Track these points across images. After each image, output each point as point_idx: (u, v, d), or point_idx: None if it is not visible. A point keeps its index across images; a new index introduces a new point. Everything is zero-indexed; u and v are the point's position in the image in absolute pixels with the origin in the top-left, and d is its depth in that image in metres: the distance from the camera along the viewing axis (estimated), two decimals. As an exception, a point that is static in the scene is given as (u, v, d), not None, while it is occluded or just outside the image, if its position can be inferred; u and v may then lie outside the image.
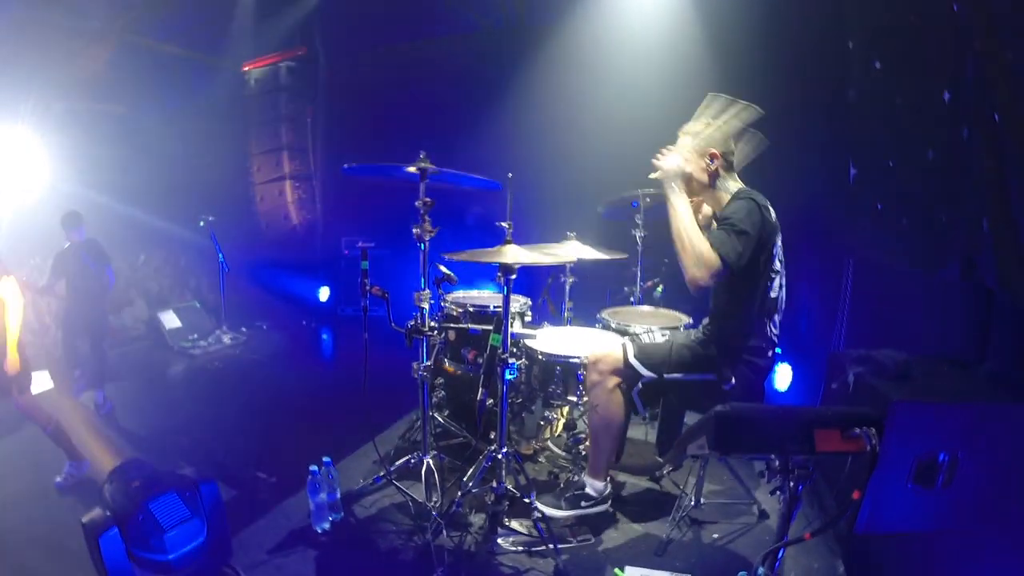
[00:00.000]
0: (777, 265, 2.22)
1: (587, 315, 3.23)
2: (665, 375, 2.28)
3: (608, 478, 2.46)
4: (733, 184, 2.28)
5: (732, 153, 2.28)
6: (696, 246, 2.07)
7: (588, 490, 2.43)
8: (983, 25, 2.06)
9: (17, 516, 2.56)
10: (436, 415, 3.07)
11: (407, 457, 2.77)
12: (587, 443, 2.59)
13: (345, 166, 2.61)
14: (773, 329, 2.27)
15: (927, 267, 2.70)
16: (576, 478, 2.55)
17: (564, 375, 2.64)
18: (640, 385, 2.33)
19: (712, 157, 2.23)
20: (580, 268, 3.22)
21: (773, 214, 2.23)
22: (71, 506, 2.62)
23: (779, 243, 2.24)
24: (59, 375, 4.06)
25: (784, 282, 2.28)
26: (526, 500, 2.38)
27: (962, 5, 2.20)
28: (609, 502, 2.49)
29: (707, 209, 2.35)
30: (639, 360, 2.30)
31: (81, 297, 3.96)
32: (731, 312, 2.25)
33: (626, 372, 2.33)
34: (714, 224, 2.29)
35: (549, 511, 2.43)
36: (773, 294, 2.22)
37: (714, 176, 2.25)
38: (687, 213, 2.15)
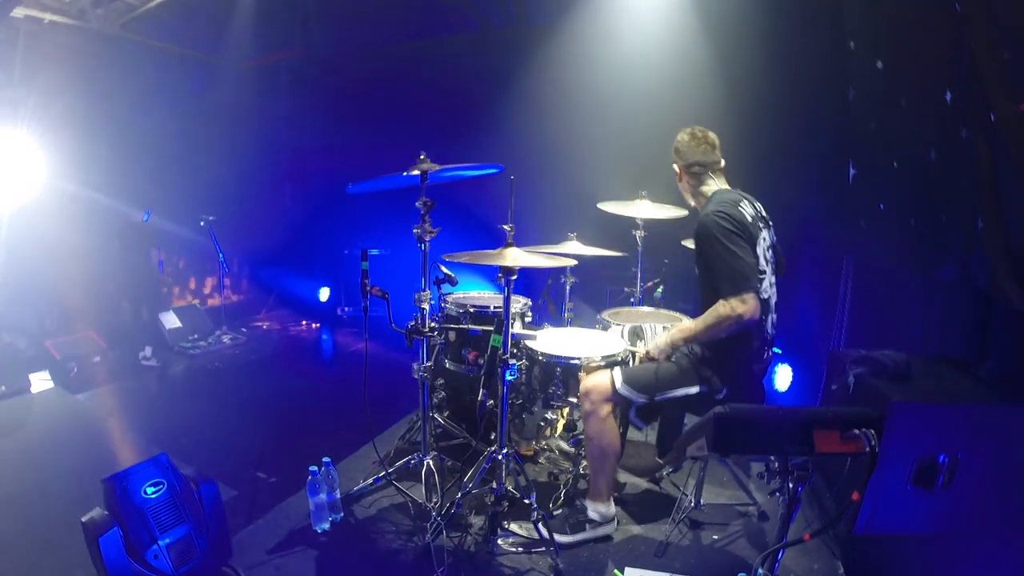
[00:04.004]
0: (763, 265, 2.19)
1: (587, 316, 3.22)
2: (656, 397, 2.29)
3: (612, 499, 2.45)
4: (711, 185, 2.34)
5: (710, 161, 2.33)
6: (717, 324, 2.10)
7: (591, 514, 2.42)
8: (981, 24, 2.05)
9: (17, 516, 2.55)
10: (436, 416, 3.07)
11: (407, 458, 2.77)
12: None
13: (349, 186, 2.65)
14: (769, 331, 2.25)
15: (925, 268, 2.70)
16: (578, 503, 2.55)
17: (564, 376, 2.63)
18: (635, 408, 2.36)
19: (681, 175, 2.38)
20: (580, 269, 3.22)
21: (749, 214, 2.20)
22: (71, 506, 2.62)
23: (763, 242, 2.21)
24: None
25: (774, 280, 2.26)
26: (526, 501, 2.38)
27: (964, 5, 2.19)
28: (615, 523, 2.46)
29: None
30: (627, 387, 2.30)
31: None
32: None
33: (617, 399, 2.34)
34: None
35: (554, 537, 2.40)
36: (763, 296, 2.16)
37: (691, 187, 2.38)
38: (687, 334, 2.22)
